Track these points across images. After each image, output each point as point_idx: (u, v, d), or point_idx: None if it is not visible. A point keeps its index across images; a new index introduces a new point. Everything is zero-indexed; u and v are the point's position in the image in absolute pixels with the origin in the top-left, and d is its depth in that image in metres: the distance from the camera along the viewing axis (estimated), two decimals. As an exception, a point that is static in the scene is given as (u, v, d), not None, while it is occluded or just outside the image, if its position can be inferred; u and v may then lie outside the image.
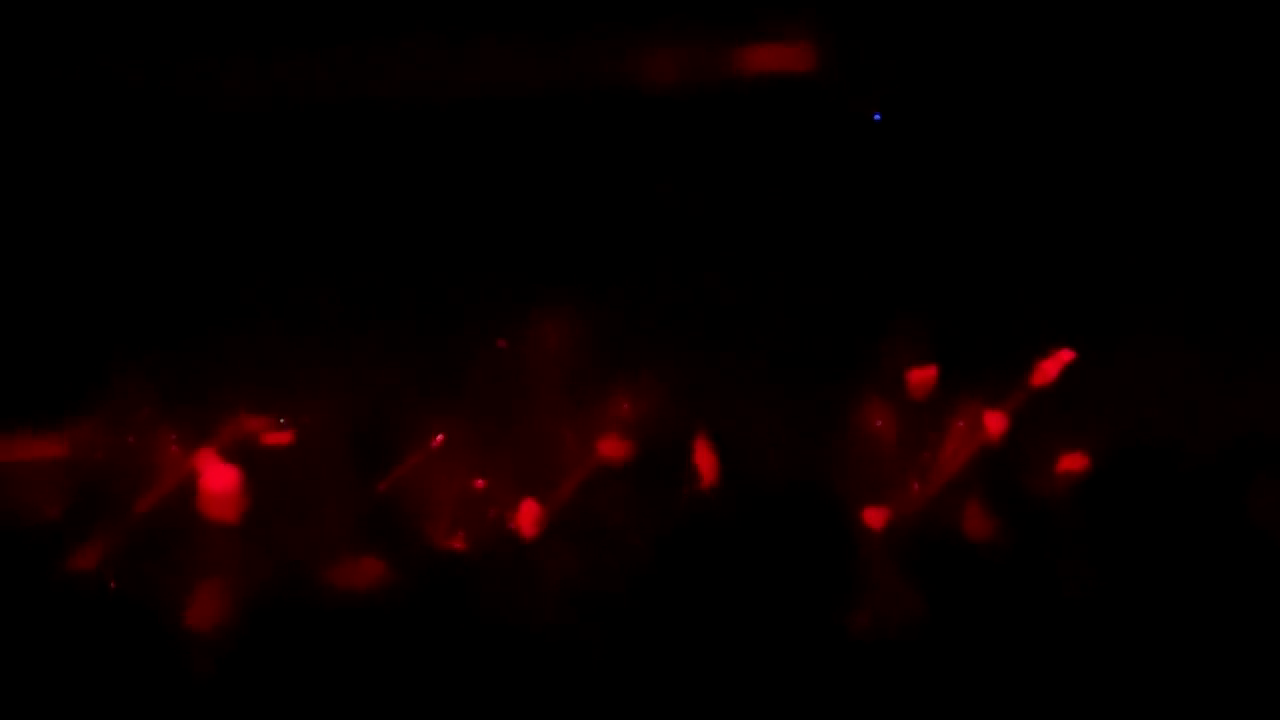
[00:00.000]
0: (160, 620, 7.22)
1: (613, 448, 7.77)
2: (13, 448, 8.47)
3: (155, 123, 9.10)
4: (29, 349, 8.89)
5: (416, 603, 7.35)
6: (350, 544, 7.84)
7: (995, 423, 7.36)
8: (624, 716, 6.47)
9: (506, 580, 7.60)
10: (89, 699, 6.58)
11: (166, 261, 9.11)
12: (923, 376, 7.60)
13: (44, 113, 9.04)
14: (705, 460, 8.11)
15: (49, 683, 6.64)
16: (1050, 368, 7.38)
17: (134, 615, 7.28)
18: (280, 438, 8.22)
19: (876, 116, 9.35)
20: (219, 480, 7.63)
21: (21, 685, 6.58)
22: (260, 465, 8.02)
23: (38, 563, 7.49)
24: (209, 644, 7.16)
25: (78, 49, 8.99)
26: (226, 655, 7.01)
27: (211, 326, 8.88)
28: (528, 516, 7.75)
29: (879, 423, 7.69)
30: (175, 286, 9.06)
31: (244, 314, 8.95)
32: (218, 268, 9.12)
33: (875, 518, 7.56)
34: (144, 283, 9.06)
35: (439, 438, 8.10)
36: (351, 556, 7.69)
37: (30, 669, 6.69)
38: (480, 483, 8.00)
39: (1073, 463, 7.67)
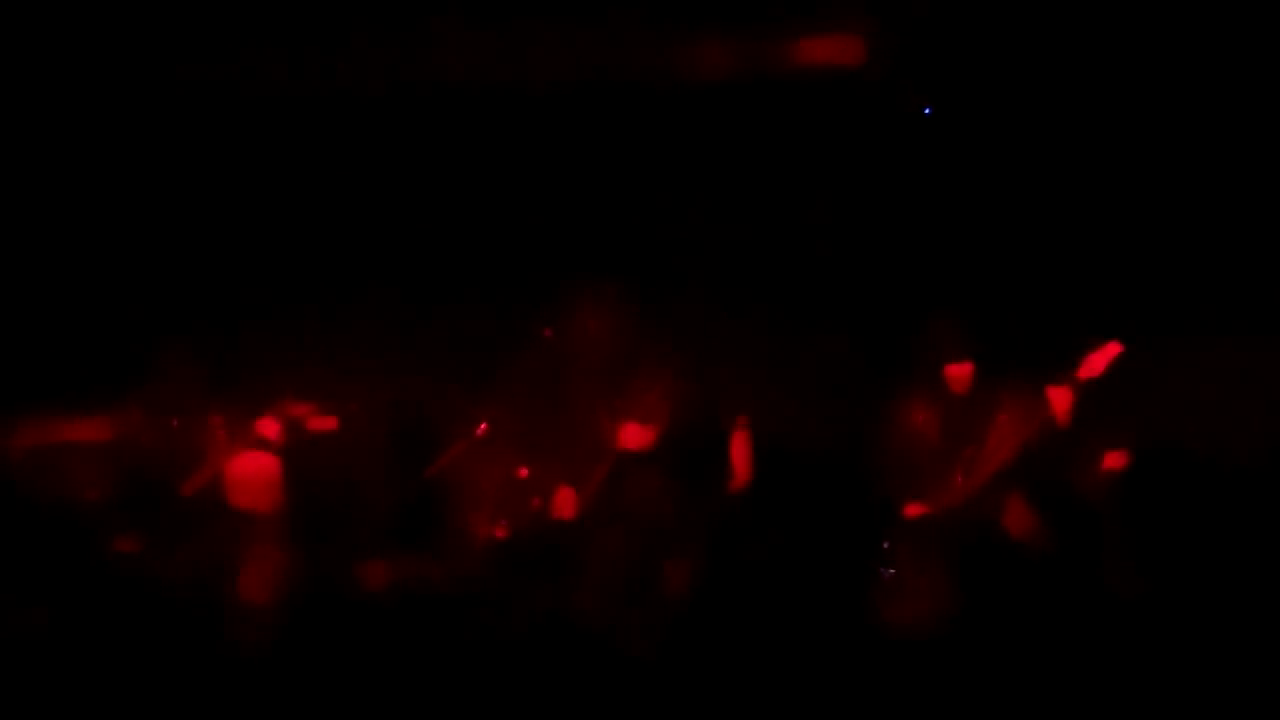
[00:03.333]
0: (203, 602, 7.27)
1: (635, 437, 7.77)
2: (58, 430, 8.50)
3: (201, 111, 9.13)
4: (75, 333, 8.92)
5: (458, 591, 7.38)
6: (393, 532, 7.87)
7: (1060, 399, 7.31)
8: (664, 702, 6.48)
9: (549, 568, 7.62)
10: (130, 678, 6.63)
11: (214, 248, 9.14)
12: (961, 371, 7.58)
13: (88, 100, 9.08)
14: (741, 455, 8.12)
15: (91, 661, 6.70)
16: (1098, 361, 7.33)
17: (177, 597, 7.33)
18: (325, 424, 8.24)
19: (927, 111, 9.31)
20: (249, 469, 7.65)
21: (64, 663, 6.63)
22: (305, 451, 8.05)
23: (82, 544, 7.55)
24: (253, 625, 7.19)
25: (133, 42, 9.03)
26: (270, 639, 7.06)
27: (258, 313, 8.91)
28: (564, 502, 7.75)
29: (921, 417, 7.67)
30: (222, 273, 9.08)
31: (291, 301, 8.97)
32: (265, 255, 9.14)
33: (918, 512, 7.53)
34: (191, 268, 9.08)
35: (483, 427, 8.10)
36: (393, 546, 7.73)
37: (73, 648, 6.74)
38: (523, 472, 8.00)
39: (1115, 460, 7.65)
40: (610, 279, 8.24)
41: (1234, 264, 8.74)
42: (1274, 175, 8.76)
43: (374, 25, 9.17)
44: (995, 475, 7.45)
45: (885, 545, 7.52)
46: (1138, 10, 8.79)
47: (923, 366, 7.65)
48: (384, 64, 9.23)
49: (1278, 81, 8.74)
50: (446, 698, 6.74)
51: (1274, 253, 8.71)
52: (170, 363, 8.08)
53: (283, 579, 7.47)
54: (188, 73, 9.07)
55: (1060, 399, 7.34)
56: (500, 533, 7.89)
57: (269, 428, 7.92)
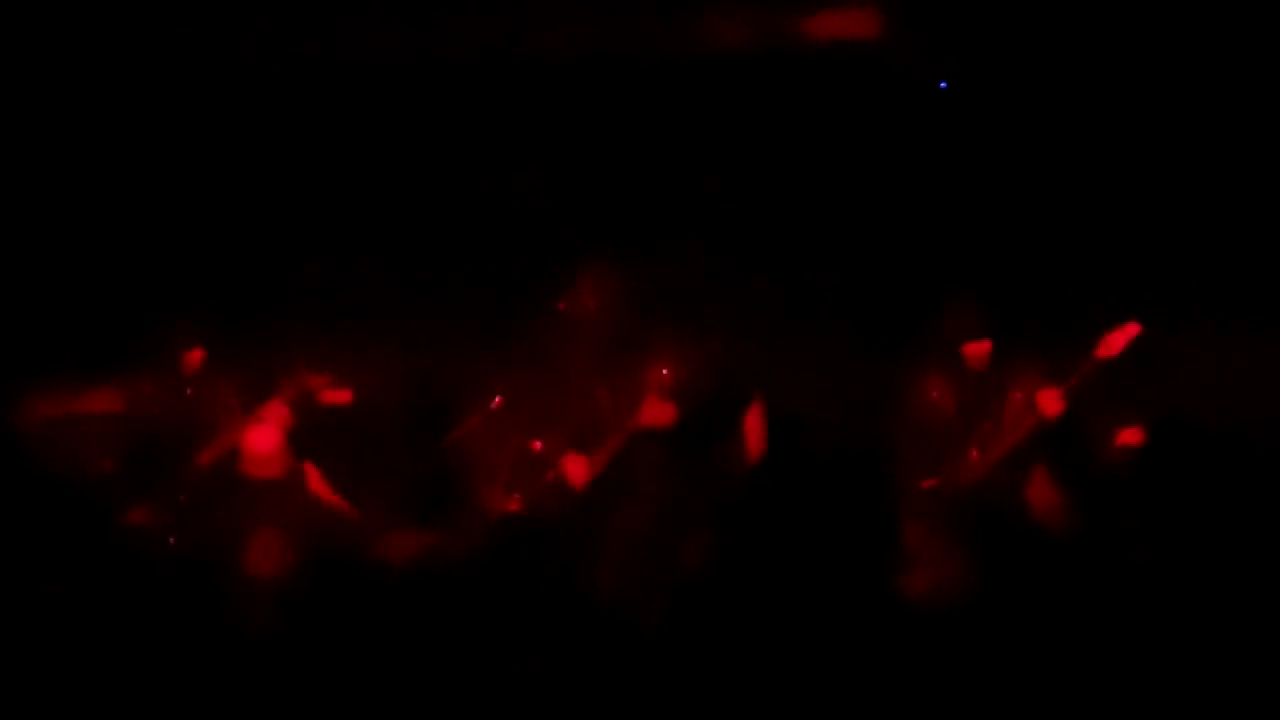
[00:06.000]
0: (216, 573, 7.27)
1: (654, 414, 7.76)
2: (71, 401, 8.51)
3: (217, 82, 9.11)
4: (88, 303, 8.92)
5: (471, 565, 7.37)
6: (406, 505, 7.87)
7: (1051, 402, 7.32)
8: (678, 677, 6.48)
9: (562, 542, 7.61)
10: (144, 649, 6.63)
11: (228, 219, 9.13)
12: (978, 347, 7.57)
13: (100, 71, 9.06)
14: (755, 429, 8.13)
15: (104, 633, 6.69)
16: (1116, 341, 7.32)
17: (191, 568, 7.33)
18: (339, 396, 8.23)
19: (942, 85, 9.28)
20: (260, 442, 7.65)
21: (78, 635, 6.63)
22: (318, 423, 8.05)
23: (95, 515, 7.54)
24: (266, 598, 7.19)
25: (146, 16, 9.02)
26: (284, 610, 7.05)
27: (272, 285, 8.91)
28: (575, 469, 7.74)
29: (936, 393, 7.66)
30: (237, 243, 9.08)
31: (305, 273, 8.98)
32: (279, 227, 9.14)
33: (933, 487, 7.53)
34: (205, 239, 9.08)
35: (497, 400, 8.10)
36: (406, 520, 7.72)
37: (86, 620, 6.74)
38: (537, 445, 7.99)
39: (1131, 436, 7.64)
40: (624, 253, 8.25)
41: (1256, 240, 8.70)
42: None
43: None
44: (1011, 452, 7.45)
45: (898, 519, 7.50)
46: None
47: (939, 342, 7.65)
48: (392, 40, 9.20)
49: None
50: (460, 671, 6.74)
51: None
52: (184, 333, 8.08)
53: (296, 551, 7.46)
54: (201, 47, 9.06)
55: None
56: (514, 506, 7.88)
57: (284, 399, 7.93)
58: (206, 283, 8.79)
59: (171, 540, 7.60)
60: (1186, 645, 6.42)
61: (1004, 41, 9.05)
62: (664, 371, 7.76)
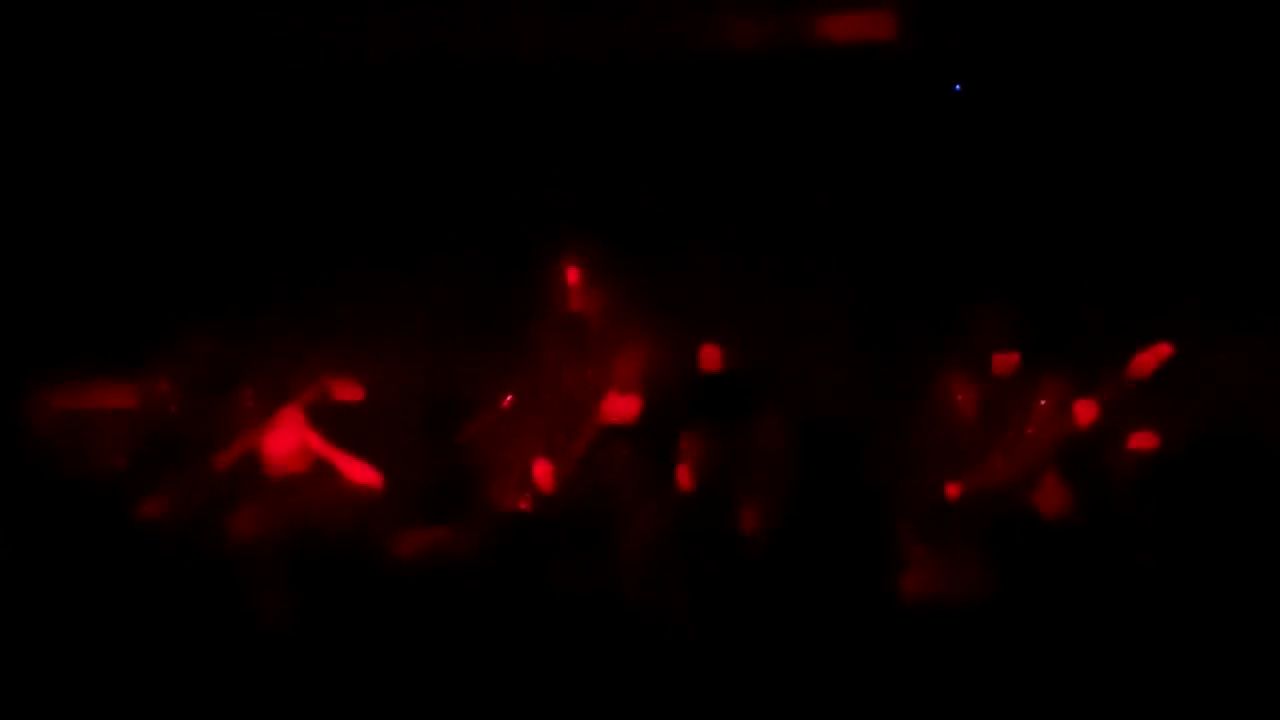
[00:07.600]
0: (231, 568, 7.27)
1: (617, 409, 7.77)
2: (84, 396, 8.52)
3: (234, 85, 9.10)
4: (104, 299, 8.93)
5: (483, 562, 7.39)
6: (418, 502, 7.88)
7: (1086, 411, 7.31)
8: (693, 674, 6.50)
9: (574, 540, 7.63)
10: (154, 646, 6.62)
11: (243, 215, 9.13)
12: (1007, 358, 7.56)
13: (118, 66, 9.05)
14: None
15: (114, 630, 6.69)
16: (1148, 361, 7.32)
17: (202, 564, 7.33)
18: (352, 393, 8.25)
19: (956, 87, 9.27)
20: (280, 442, 7.66)
21: (87, 632, 6.63)
22: (332, 420, 8.06)
23: (105, 511, 7.54)
24: (278, 594, 7.19)
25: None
26: (295, 608, 7.06)
27: (285, 282, 8.92)
28: (542, 472, 7.75)
29: (960, 397, 7.67)
30: (252, 242, 9.08)
31: (318, 270, 8.98)
32: (295, 225, 9.14)
33: (954, 492, 7.55)
34: (221, 236, 9.09)
35: (509, 398, 8.11)
36: (419, 517, 7.73)
37: (96, 617, 6.73)
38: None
39: (1143, 441, 7.65)
40: (636, 254, 8.26)
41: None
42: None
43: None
44: (1035, 461, 7.46)
45: (907, 524, 7.52)
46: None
47: (965, 348, 7.64)
48: (408, 39, 9.19)
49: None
50: (473, 669, 6.75)
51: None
52: (199, 330, 8.08)
53: (312, 548, 7.47)
54: (219, 44, 9.05)
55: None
56: (525, 505, 7.90)
57: (299, 397, 7.93)
58: (221, 281, 8.79)
59: (187, 537, 7.59)
60: (1195, 651, 6.45)
61: (1023, 43, 9.03)
62: (637, 362, 7.75)
